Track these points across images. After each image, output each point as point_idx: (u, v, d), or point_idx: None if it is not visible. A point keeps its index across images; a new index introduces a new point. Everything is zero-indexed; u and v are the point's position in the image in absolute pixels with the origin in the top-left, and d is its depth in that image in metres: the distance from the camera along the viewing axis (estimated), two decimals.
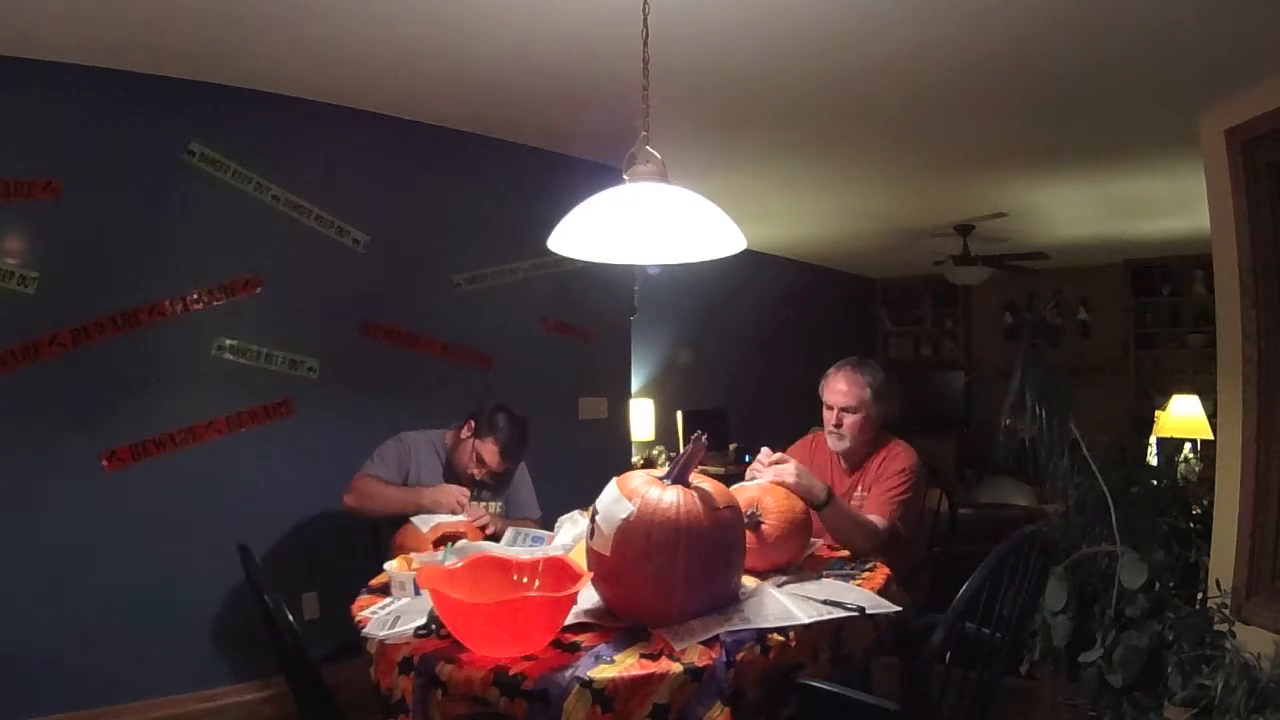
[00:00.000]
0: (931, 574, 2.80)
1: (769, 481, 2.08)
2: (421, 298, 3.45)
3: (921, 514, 2.56)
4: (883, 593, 1.88)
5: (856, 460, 2.55)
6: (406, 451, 2.65)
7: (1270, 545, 2.65)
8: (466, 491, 2.53)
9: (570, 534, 2.15)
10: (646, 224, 1.71)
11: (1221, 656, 2.34)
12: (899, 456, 2.48)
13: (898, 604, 1.81)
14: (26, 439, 2.62)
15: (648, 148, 1.75)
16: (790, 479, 2.07)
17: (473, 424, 2.59)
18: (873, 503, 2.40)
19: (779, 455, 2.17)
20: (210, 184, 2.95)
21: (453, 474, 2.65)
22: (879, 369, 2.54)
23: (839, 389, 2.49)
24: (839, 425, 2.49)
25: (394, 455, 2.64)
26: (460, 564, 1.70)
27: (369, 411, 3.21)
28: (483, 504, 2.69)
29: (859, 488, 2.51)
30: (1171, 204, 4.68)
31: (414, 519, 2.39)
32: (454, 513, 2.42)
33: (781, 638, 1.57)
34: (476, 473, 2.59)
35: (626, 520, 1.57)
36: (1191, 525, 2.84)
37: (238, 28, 2.47)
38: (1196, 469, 3.14)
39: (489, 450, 2.55)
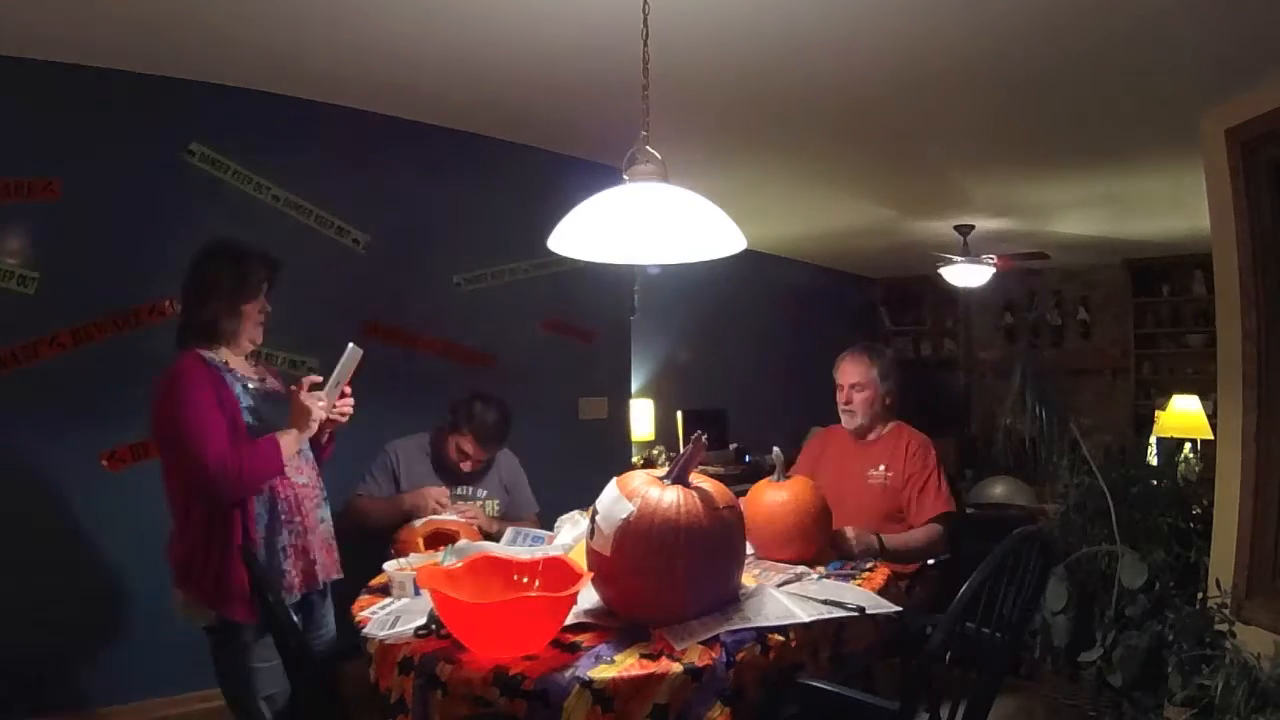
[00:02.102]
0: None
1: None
2: (421, 298, 3.45)
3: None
4: (883, 593, 1.88)
5: (865, 436, 2.77)
6: (393, 460, 2.73)
7: (1270, 545, 2.64)
8: (445, 491, 2.60)
9: (570, 534, 2.15)
10: (646, 224, 1.71)
11: (1221, 656, 2.34)
12: (917, 441, 2.70)
13: (898, 604, 1.81)
14: (26, 439, 2.62)
15: (648, 148, 1.75)
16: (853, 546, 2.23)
17: (451, 418, 2.66)
18: (927, 504, 2.57)
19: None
20: (210, 184, 2.94)
21: (445, 470, 2.69)
22: (884, 352, 2.82)
23: (848, 369, 2.76)
24: (849, 403, 2.74)
25: (381, 468, 2.72)
26: (460, 564, 1.70)
27: (369, 412, 3.20)
28: (478, 502, 2.70)
29: (880, 465, 2.68)
30: (1171, 204, 4.68)
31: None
32: (436, 513, 2.49)
33: (781, 638, 1.57)
34: (463, 465, 2.65)
35: (627, 520, 1.57)
36: (1191, 525, 2.84)
37: (237, 28, 2.47)
38: (1196, 469, 3.14)
39: (467, 442, 2.62)
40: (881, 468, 2.67)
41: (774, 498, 2.11)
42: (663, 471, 1.70)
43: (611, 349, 4.08)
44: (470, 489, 2.75)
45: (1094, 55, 2.62)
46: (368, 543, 2.64)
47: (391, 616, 1.69)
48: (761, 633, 1.56)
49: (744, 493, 2.09)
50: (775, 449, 2.24)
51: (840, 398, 2.77)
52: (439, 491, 2.58)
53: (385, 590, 1.87)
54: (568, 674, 1.38)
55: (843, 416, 2.78)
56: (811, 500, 2.12)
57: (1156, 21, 2.35)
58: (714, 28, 2.43)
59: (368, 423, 3.13)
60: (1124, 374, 6.91)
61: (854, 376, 2.73)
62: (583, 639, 1.53)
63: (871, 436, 2.75)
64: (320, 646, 2.05)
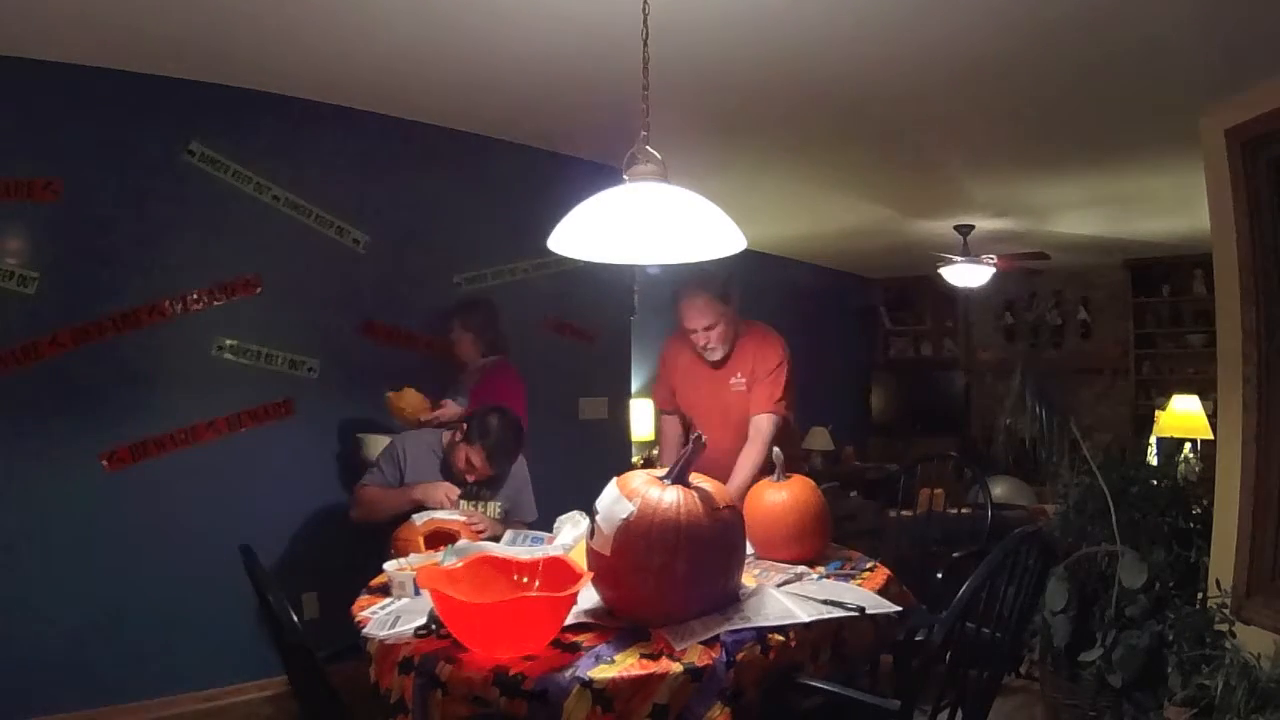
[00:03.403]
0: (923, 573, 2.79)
1: None
2: (421, 298, 3.45)
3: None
4: (883, 593, 1.88)
5: (728, 355, 2.76)
6: (399, 453, 2.71)
7: (1270, 545, 2.64)
8: (455, 490, 2.58)
9: (570, 534, 2.15)
10: (646, 224, 1.71)
11: (1221, 656, 2.34)
12: (768, 347, 2.72)
13: (898, 604, 1.82)
14: (26, 439, 2.62)
15: (648, 148, 1.75)
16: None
17: (465, 427, 2.62)
18: (758, 401, 2.66)
19: None
20: (210, 184, 2.94)
21: (450, 474, 2.67)
22: (713, 274, 2.64)
23: (694, 315, 2.69)
24: (708, 344, 2.71)
25: (388, 459, 2.70)
26: (460, 564, 1.70)
27: (369, 411, 3.21)
28: (481, 505, 2.70)
29: (738, 373, 2.73)
30: (1172, 203, 4.68)
31: (414, 516, 2.41)
32: (443, 508, 2.48)
33: (781, 638, 1.57)
34: (468, 475, 2.63)
35: (627, 520, 1.57)
36: (1191, 525, 2.84)
37: (238, 28, 2.47)
38: (1196, 469, 3.14)
39: (477, 455, 2.58)
40: (739, 375, 2.72)
41: (774, 498, 2.12)
42: (663, 471, 1.70)
43: (611, 349, 4.08)
44: (476, 488, 2.74)
45: (1094, 55, 2.62)
46: (367, 542, 2.65)
47: (391, 616, 1.69)
48: (761, 633, 1.56)
49: None
50: (775, 449, 2.24)
51: (698, 340, 2.72)
52: (449, 488, 2.56)
53: (385, 590, 1.87)
54: (568, 674, 1.38)
55: (706, 355, 2.75)
56: (811, 500, 2.12)
57: (1156, 22, 2.35)
58: (714, 28, 2.43)
59: (367, 423, 3.15)
60: (1124, 374, 6.90)
61: (704, 320, 2.67)
62: (583, 639, 1.53)
63: (729, 352, 2.76)
64: None
